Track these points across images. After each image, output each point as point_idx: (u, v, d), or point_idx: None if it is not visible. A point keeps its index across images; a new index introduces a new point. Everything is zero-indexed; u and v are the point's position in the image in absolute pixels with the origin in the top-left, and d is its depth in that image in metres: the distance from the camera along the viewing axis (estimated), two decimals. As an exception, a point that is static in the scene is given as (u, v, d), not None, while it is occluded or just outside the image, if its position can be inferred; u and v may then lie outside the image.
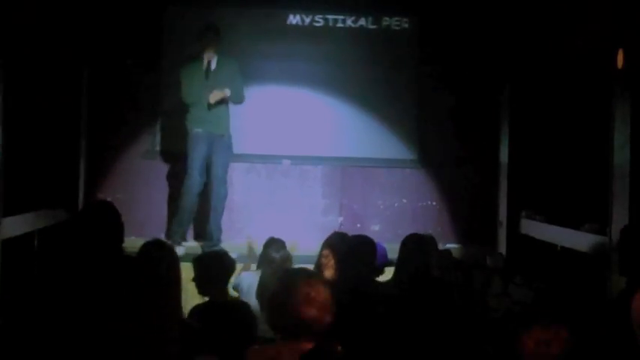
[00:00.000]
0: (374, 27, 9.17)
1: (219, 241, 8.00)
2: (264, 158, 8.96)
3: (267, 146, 8.88)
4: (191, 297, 6.90)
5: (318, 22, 9.14)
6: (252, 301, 5.29)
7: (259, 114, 8.85)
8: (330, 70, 8.98)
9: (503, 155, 8.65)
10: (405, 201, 9.11)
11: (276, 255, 5.52)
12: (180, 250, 7.59)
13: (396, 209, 9.09)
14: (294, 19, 9.12)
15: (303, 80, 8.87)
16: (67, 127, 8.21)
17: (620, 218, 5.91)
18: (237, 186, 8.95)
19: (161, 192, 8.88)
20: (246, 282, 5.60)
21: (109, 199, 8.30)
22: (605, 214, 6.18)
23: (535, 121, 8.10)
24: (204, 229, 8.26)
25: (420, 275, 5.06)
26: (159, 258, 3.79)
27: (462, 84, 8.99)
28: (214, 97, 7.76)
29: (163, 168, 8.96)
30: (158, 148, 8.97)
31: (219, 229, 8.07)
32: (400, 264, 5.32)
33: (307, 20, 9.13)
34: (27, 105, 7.01)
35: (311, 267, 5.53)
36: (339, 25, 9.13)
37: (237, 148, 8.82)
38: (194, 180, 7.88)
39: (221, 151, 7.99)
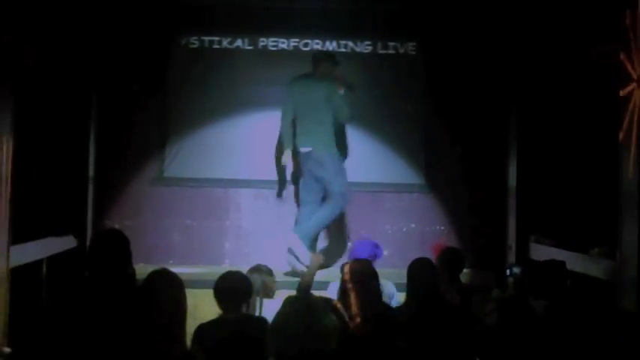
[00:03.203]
0: (380, 51, 9.19)
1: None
2: (271, 184, 8.95)
3: (275, 172, 8.87)
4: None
5: (324, 47, 9.16)
6: None
7: (267, 140, 8.85)
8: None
9: (512, 179, 8.64)
10: (413, 225, 9.09)
11: (258, 277, 5.54)
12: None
13: (404, 234, 9.06)
14: (299, 45, 9.16)
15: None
16: (75, 153, 8.23)
17: (629, 241, 5.88)
18: (245, 212, 8.97)
19: (169, 218, 8.89)
20: None
21: (117, 225, 8.34)
22: (614, 237, 6.15)
23: (543, 143, 8.09)
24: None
25: (429, 300, 5.05)
26: (163, 287, 3.78)
27: (468, 107, 8.98)
28: None
29: (171, 194, 8.97)
30: (166, 174, 8.98)
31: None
32: (409, 290, 5.31)
33: (312, 46, 9.16)
34: (35, 132, 7.03)
35: (321, 293, 5.53)
36: (344, 49, 9.16)
37: (245, 174, 8.87)
38: None
39: None
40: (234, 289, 4.83)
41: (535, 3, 7.88)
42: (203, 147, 8.96)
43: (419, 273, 5.37)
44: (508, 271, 6.27)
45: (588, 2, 6.76)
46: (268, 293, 5.54)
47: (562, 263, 5.39)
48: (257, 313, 5.30)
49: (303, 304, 3.24)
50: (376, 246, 6.21)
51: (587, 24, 6.84)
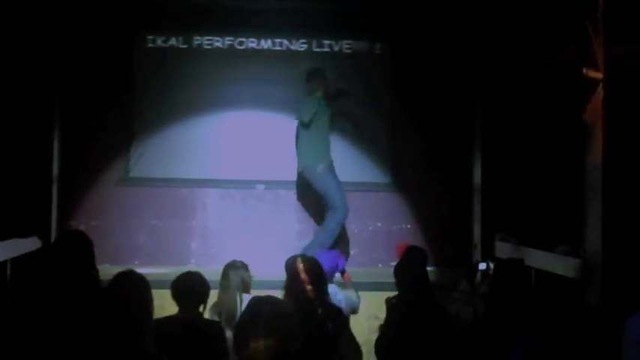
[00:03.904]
0: (346, 51, 9.21)
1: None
2: (237, 183, 8.94)
3: (241, 171, 8.87)
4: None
5: (290, 46, 9.17)
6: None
7: (233, 139, 8.85)
8: (303, 94, 8.99)
9: (477, 177, 8.69)
10: (379, 224, 9.12)
11: (234, 272, 5.53)
12: None
13: (370, 233, 9.09)
14: (266, 44, 9.15)
15: (276, 105, 8.86)
16: (39, 153, 8.15)
17: (593, 239, 5.93)
18: (211, 212, 8.96)
19: (135, 219, 8.85)
20: None
21: (82, 226, 8.29)
22: (578, 235, 6.20)
23: (508, 143, 8.14)
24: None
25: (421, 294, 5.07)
26: (129, 288, 3.76)
27: (434, 107, 9.03)
28: None
29: (137, 194, 8.93)
30: (131, 175, 8.94)
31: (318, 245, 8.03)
32: (400, 283, 5.32)
33: (279, 45, 9.16)
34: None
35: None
36: (312, 49, 9.16)
37: (211, 174, 8.85)
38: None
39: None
40: (191, 290, 4.82)
41: (500, 6, 7.94)
42: (169, 147, 8.93)
43: (408, 265, 5.37)
44: (484, 265, 6.28)
45: (552, 5, 6.82)
46: (246, 288, 5.52)
47: (520, 261, 5.42)
48: (237, 309, 5.29)
49: (269, 304, 3.24)
50: (337, 256, 6.16)
51: (551, 25, 6.90)
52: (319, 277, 5.00)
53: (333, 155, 8.64)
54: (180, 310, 4.73)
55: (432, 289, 5.43)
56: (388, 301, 5.45)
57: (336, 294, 5.75)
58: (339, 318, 4.91)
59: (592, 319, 4.40)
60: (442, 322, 4.74)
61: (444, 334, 4.36)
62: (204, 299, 4.88)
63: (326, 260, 5.99)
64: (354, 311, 5.87)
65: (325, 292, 4.98)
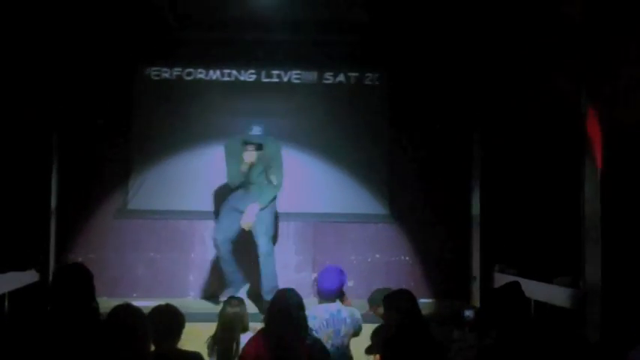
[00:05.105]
0: (344, 82, 9.23)
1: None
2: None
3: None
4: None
5: (288, 78, 9.19)
6: None
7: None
8: (301, 126, 9.02)
9: (475, 209, 8.69)
10: (377, 256, 9.10)
11: (230, 310, 5.50)
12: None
13: (369, 264, 9.06)
14: (265, 76, 9.17)
15: (276, 137, 8.85)
16: (38, 187, 8.15)
17: (592, 270, 5.92)
18: (209, 244, 8.90)
19: (133, 252, 8.83)
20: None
21: (80, 259, 8.27)
22: (577, 266, 6.19)
23: (506, 174, 8.15)
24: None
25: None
26: (127, 321, 3.75)
27: (432, 138, 9.05)
28: (246, 225, 7.81)
29: (135, 227, 8.91)
30: (129, 207, 8.93)
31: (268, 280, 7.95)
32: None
33: (277, 76, 9.19)
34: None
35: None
36: (310, 81, 9.19)
37: (210, 206, 8.84)
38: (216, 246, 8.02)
39: (259, 221, 7.87)
40: (162, 325, 4.66)
41: (498, 37, 7.98)
42: (167, 179, 8.93)
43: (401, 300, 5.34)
44: (468, 313, 6.30)
45: (550, 35, 6.86)
46: (245, 326, 5.48)
47: (516, 284, 5.39)
48: (234, 347, 5.24)
49: (274, 335, 3.23)
50: (342, 272, 6.18)
51: (549, 54, 6.93)
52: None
53: (333, 186, 8.84)
54: (156, 346, 4.58)
55: (425, 320, 5.40)
56: (374, 333, 5.43)
57: (341, 311, 5.77)
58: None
59: (591, 351, 4.38)
60: (434, 352, 4.71)
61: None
62: (179, 331, 4.72)
63: (336, 279, 6.00)
64: (360, 330, 5.86)
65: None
